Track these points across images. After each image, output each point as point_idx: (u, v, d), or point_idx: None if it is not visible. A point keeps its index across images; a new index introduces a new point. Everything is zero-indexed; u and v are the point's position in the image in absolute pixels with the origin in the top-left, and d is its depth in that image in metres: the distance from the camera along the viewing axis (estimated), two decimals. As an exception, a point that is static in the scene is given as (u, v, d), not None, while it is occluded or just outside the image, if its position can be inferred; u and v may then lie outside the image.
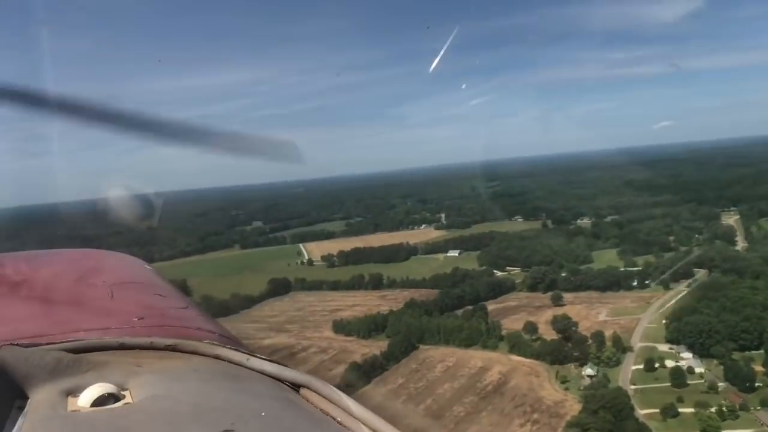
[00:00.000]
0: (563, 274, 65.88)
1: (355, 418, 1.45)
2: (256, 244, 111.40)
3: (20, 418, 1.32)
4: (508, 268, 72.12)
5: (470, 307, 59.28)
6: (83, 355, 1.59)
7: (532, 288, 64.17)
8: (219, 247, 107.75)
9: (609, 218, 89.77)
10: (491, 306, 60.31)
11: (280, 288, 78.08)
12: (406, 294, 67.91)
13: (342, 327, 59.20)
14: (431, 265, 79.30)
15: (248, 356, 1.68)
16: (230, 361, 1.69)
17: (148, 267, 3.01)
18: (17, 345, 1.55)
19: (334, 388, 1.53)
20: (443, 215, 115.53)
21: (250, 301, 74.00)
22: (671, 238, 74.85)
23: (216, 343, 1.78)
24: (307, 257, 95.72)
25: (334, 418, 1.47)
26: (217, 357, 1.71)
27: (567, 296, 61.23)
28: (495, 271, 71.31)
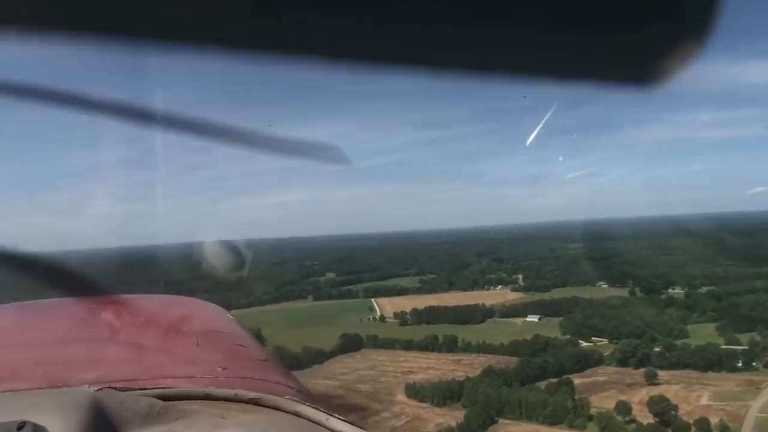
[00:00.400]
0: (657, 349, 60.52)
1: None
2: (329, 296, 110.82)
3: None
4: (594, 338, 67.27)
5: (554, 380, 55.09)
6: (173, 403, 1.69)
7: (622, 362, 59.15)
8: (293, 297, 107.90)
9: (704, 289, 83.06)
10: (577, 380, 55.81)
11: (351, 344, 76.45)
12: (483, 360, 64.40)
13: (415, 391, 56.33)
14: (509, 330, 75.44)
15: (327, 416, 1.73)
16: (310, 420, 1.75)
17: (230, 316, 3.08)
18: (115, 389, 1.65)
19: None
20: (520, 276, 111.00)
21: (321, 356, 72.57)
22: (778, 314, 67.89)
23: (296, 399, 1.84)
24: (379, 313, 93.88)
25: None
26: (297, 414, 1.78)
27: (662, 374, 55.84)
28: (580, 341, 66.67)
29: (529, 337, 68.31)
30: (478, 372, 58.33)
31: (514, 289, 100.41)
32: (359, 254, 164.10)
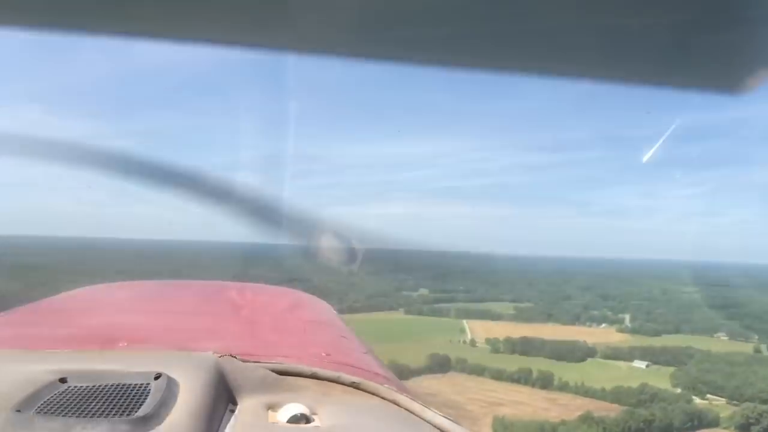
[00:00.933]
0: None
1: None
2: (420, 312, 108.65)
3: (232, 419, 1.58)
4: (709, 396, 60.03)
5: (661, 438, 49.47)
6: (283, 377, 1.87)
7: (744, 429, 51.99)
8: (384, 308, 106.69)
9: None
10: (687, 441, 49.80)
11: (439, 364, 73.71)
12: (580, 402, 59.22)
13: (503, 426, 52.57)
14: (612, 374, 69.29)
15: (424, 408, 1.81)
16: (407, 410, 1.84)
17: (334, 311, 3.27)
18: (235, 357, 1.85)
19: None
20: (627, 316, 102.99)
21: (407, 372, 70.20)
22: None
23: (395, 389, 1.95)
24: (470, 336, 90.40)
25: None
26: (395, 402, 1.87)
27: (793, 450, 48.50)
28: (694, 396, 59.71)
29: (634, 384, 62.28)
30: (574, 416, 53.54)
31: (619, 330, 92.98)
32: (455, 273, 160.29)
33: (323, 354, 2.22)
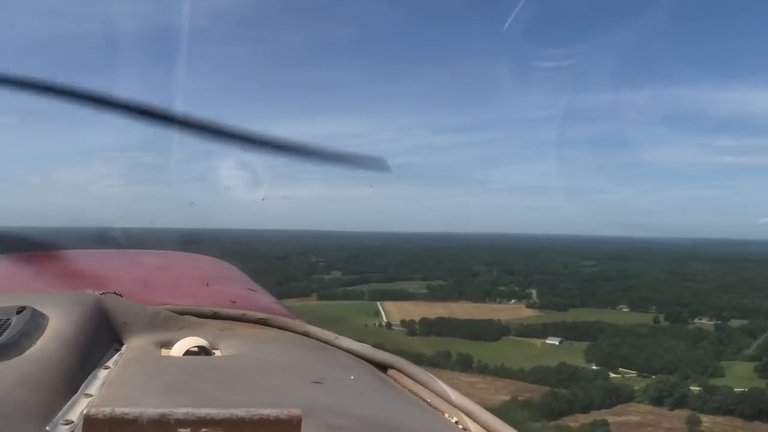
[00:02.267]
0: (694, 388, 54.16)
1: (446, 400, 1.44)
2: (334, 296, 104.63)
3: (116, 356, 1.44)
4: (621, 369, 60.92)
5: (582, 415, 48.82)
6: (178, 315, 1.69)
7: (657, 401, 52.69)
8: (297, 294, 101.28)
9: (734, 322, 76.55)
10: (609, 417, 49.55)
11: (355, 351, 70.52)
12: (501, 385, 58.07)
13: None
14: (528, 352, 69.08)
15: (337, 336, 1.77)
16: (319, 339, 1.77)
17: (239, 270, 3.10)
18: (120, 295, 1.68)
19: (424, 370, 1.58)
20: (534, 291, 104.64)
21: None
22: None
23: (305, 321, 1.88)
24: (385, 319, 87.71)
25: (423, 399, 1.49)
26: (306, 334, 1.80)
27: (705, 420, 49.54)
28: (609, 372, 60.24)
29: (552, 363, 62.06)
30: (496, 399, 51.95)
31: (528, 305, 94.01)
32: (365, 254, 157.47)
33: (228, 302, 2.00)
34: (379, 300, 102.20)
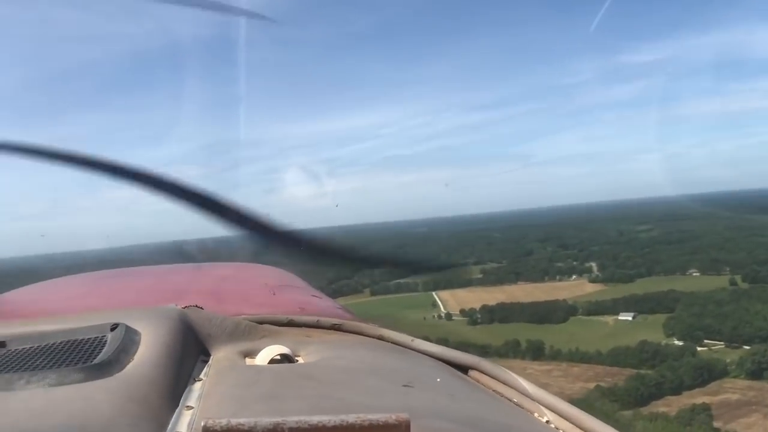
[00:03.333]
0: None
1: (532, 399, 1.42)
2: (387, 290, 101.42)
3: (205, 367, 1.45)
4: (707, 341, 55.74)
5: (674, 398, 44.27)
6: (258, 325, 1.72)
7: (755, 375, 47.56)
8: (349, 292, 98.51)
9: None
10: (704, 398, 44.83)
11: (418, 347, 67.25)
12: (578, 371, 53.81)
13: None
14: (600, 332, 64.39)
15: (413, 338, 1.76)
16: (395, 342, 1.76)
17: (300, 278, 3.14)
18: (201, 308, 1.70)
19: (506, 370, 1.55)
20: (594, 264, 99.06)
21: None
22: None
23: (379, 325, 1.87)
24: (443, 309, 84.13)
25: (509, 399, 1.47)
26: (380, 337, 1.79)
27: (815, 391, 44.30)
28: (697, 347, 55.15)
29: (629, 341, 57.39)
30: (576, 388, 47.80)
31: (591, 280, 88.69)
32: (412, 243, 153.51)
33: (298, 308, 2.05)
34: (433, 290, 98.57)
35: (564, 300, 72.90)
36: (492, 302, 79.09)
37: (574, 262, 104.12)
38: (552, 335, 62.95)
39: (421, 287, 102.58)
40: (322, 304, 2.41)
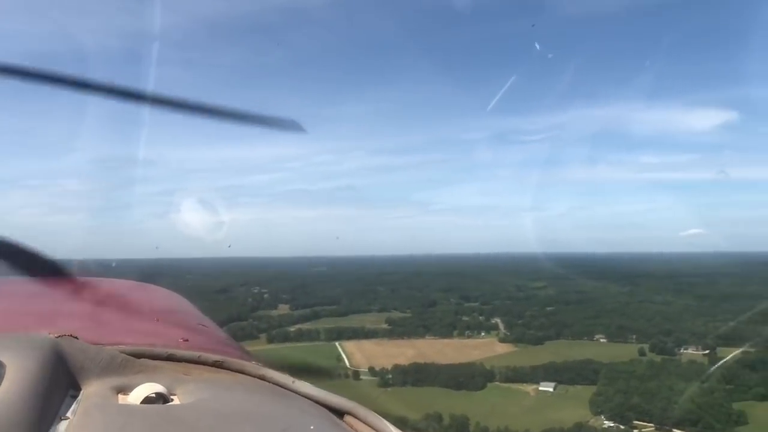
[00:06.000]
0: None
1: None
2: (286, 337, 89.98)
3: (74, 404, 1.34)
4: (636, 422, 50.91)
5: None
6: (135, 359, 1.62)
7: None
8: (243, 337, 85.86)
9: (721, 350, 68.66)
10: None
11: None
12: (510, 455, 46.67)
13: None
14: (522, 403, 58.06)
15: (294, 379, 1.69)
16: (275, 383, 1.69)
17: (190, 304, 2.89)
18: (75, 338, 1.58)
19: (380, 417, 1.53)
20: (499, 321, 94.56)
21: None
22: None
23: (262, 365, 1.79)
24: (349, 364, 74.47)
25: None
26: (262, 377, 1.72)
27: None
28: (621, 426, 50.08)
29: (556, 416, 51.49)
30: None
31: (501, 339, 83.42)
32: (312, 282, 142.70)
33: (180, 340, 1.90)
34: (336, 339, 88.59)
35: (481, 364, 66.21)
36: (401, 358, 70.86)
37: (480, 317, 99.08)
38: (473, 406, 55.68)
39: (323, 335, 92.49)
40: (208, 336, 2.20)
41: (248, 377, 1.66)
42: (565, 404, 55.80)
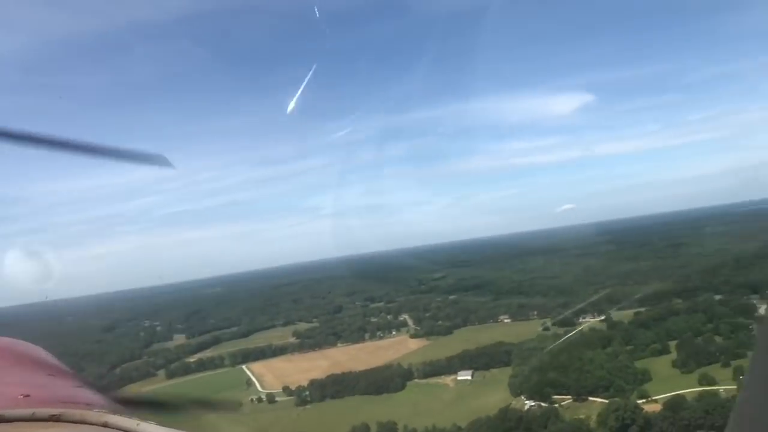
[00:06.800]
0: (649, 409, 46.16)
1: None
2: (186, 370, 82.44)
3: None
4: (555, 397, 51.65)
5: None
6: None
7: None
8: (139, 377, 77.60)
9: (617, 313, 72.40)
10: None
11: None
12: (442, 454, 45.07)
13: None
14: (444, 396, 57.02)
15: (138, 422, 1.65)
16: (119, 428, 1.66)
17: (44, 351, 2.79)
18: None
19: None
20: (408, 317, 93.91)
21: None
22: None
23: (105, 411, 1.72)
24: (261, 388, 69.46)
25: None
26: (105, 425, 1.68)
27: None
28: (542, 404, 50.44)
29: (478, 403, 50.94)
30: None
31: (412, 335, 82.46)
32: (207, 306, 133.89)
33: (20, 396, 1.82)
34: (243, 363, 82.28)
35: (398, 364, 64.48)
36: (316, 371, 67.19)
37: (388, 316, 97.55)
38: (397, 408, 53.70)
39: (228, 361, 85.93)
40: (54, 388, 2.08)
41: (90, 427, 1.59)
42: (485, 390, 55.54)
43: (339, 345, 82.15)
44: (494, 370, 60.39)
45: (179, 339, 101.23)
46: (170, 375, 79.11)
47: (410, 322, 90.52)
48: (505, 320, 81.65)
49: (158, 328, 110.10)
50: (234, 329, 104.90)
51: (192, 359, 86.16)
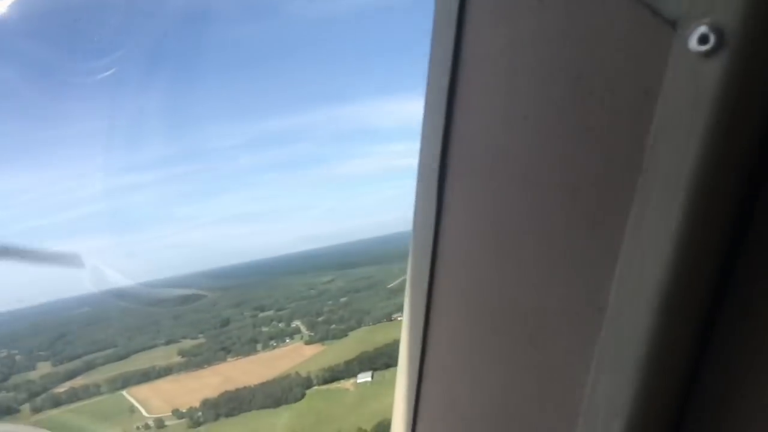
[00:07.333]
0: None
1: None
2: (56, 402, 73.85)
3: None
4: (453, 390, 53.23)
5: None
6: None
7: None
8: (0, 414, 68.04)
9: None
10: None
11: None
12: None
13: None
14: (345, 401, 56.47)
15: None
16: None
17: None
18: None
19: None
20: (300, 324, 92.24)
21: None
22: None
23: None
24: (146, 412, 64.26)
25: None
26: None
27: None
28: (442, 398, 51.79)
29: (382, 406, 50.93)
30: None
31: (307, 342, 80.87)
32: (76, 328, 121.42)
33: None
34: (123, 388, 75.37)
35: (295, 373, 62.90)
36: (208, 390, 63.52)
37: (280, 324, 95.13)
38: (299, 419, 52.34)
39: (105, 387, 78.37)
40: None
41: None
42: (387, 390, 55.62)
43: (230, 359, 78.40)
44: (394, 369, 60.51)
45: (44, 367, 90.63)
46: (36, 409, 70.46)
47: (303, 328, 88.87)
48: (399, 318, 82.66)
49: (17, 357, 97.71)
50: (109, 351, 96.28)
51: (61, 389, 77.49)
